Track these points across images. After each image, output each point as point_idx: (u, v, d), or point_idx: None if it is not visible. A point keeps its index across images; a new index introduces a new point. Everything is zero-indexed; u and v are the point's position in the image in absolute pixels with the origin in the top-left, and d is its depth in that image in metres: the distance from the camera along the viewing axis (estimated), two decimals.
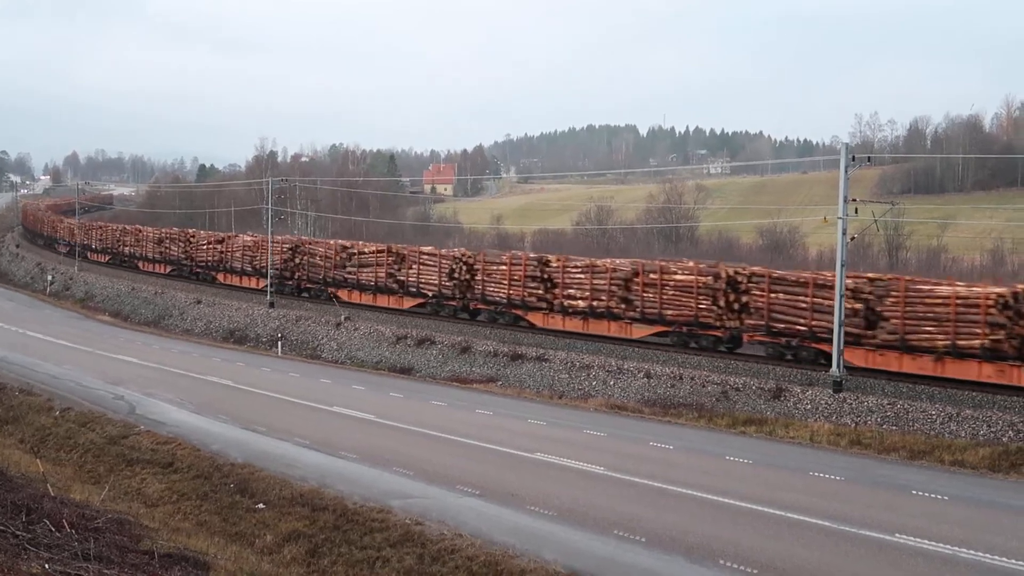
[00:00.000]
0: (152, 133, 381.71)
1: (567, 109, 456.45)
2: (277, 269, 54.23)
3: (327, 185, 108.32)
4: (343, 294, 50.30)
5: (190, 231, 67.64)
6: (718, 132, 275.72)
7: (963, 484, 18.89)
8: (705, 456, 21.67)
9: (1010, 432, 24.14)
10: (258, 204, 78.09)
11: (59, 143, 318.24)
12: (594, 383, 33.40)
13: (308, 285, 53.13)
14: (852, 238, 30.25)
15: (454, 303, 43.53)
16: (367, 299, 48.75)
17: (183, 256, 64.93)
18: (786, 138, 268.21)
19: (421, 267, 45.27)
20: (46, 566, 9.50)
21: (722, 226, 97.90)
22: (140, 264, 71.45)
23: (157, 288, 63.81)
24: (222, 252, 60.82)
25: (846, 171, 29.02)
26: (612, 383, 32.99)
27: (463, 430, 24.08)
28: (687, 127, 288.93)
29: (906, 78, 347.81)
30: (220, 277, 60.93)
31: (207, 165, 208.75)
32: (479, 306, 42.55)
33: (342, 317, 46.79)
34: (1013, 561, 13.85)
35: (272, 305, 52.30)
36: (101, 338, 46.91)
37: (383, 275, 47.43)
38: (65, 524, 11.62)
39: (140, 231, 74.23)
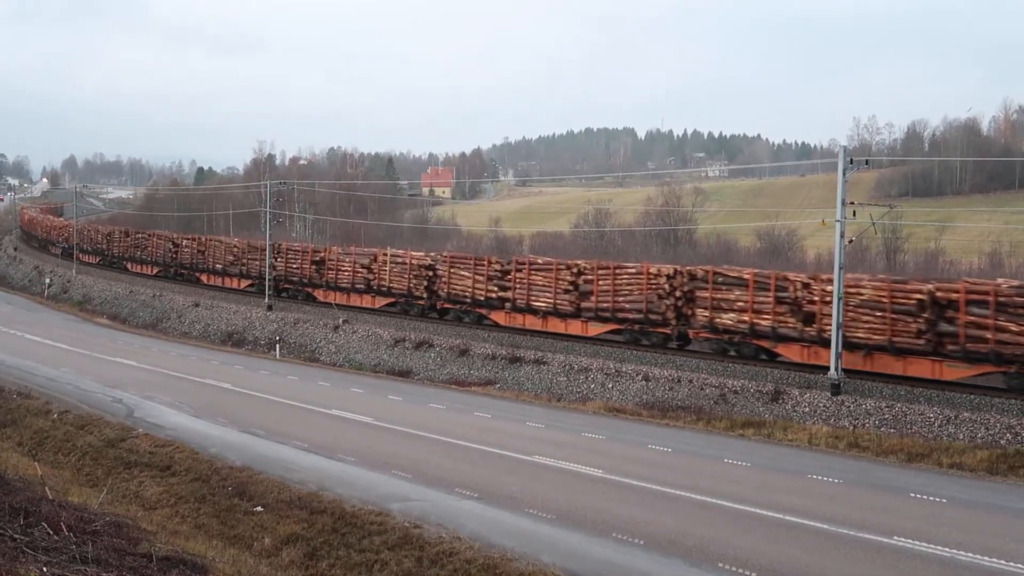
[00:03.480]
0: (150, 136, 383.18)
1: (565, 112, 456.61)
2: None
3: (325, 188, 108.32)
4: (498, 317, 41.42)
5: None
6: (716, 135, 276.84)
7: (961, 487, 18.89)
8: (703, 459, 21.67)
9: (1008, 435, 24.14)
10: (256, 207, 78.18)
11: (57, 146, 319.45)
12: (592, 386, 33.40)
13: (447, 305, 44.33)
14: (850, 241, 30.26)
15: (665, 330, 35.35)
16: (534, 323, 39.76)
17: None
18: (784, 141, 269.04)
19: (616, 285, 36.34)
20: (44, 569, 9.49)
21: (720, 229, 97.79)
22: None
23: (155, 291, 63.77)
24: None
25: (844, 174, 29.05)
26: (610, 386, 32.98)
27: (462, 433, 24.06)
28: (685, 130, 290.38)
29: (904, 81, 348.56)
30: None
31: (205, 168, 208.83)
32: (701, 334, 34.24)
33: (340, 320, 46.76)
34: (1011, 564, 13.85)
35: (270, 308, 52.30)
36: (99, 341, 46.86)
37: (562, 294, 38.20)
38: (63, 527, 11.61)
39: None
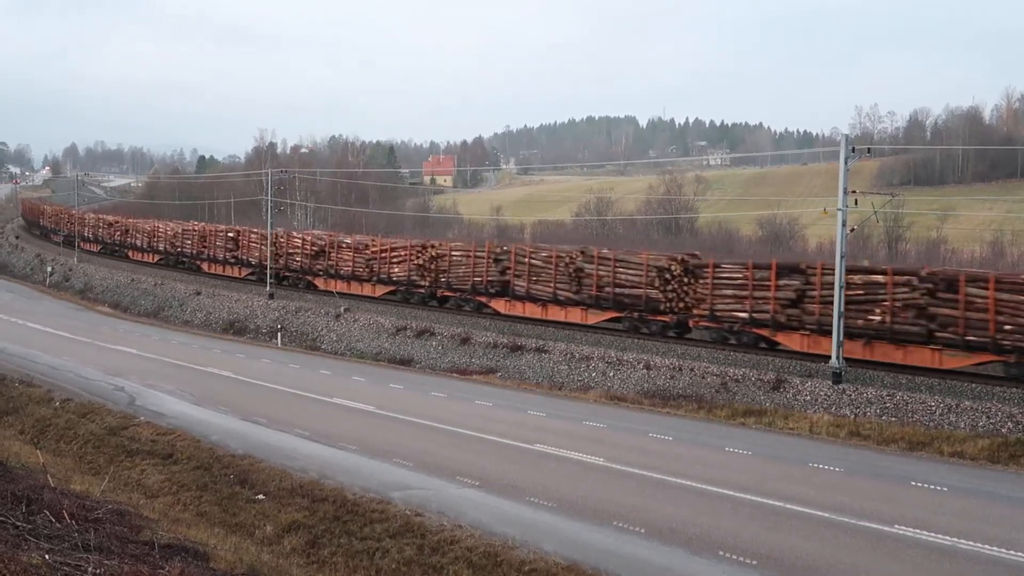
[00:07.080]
0: (152, 125, 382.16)
1: (567, 101, 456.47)
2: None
3: (327, 176, 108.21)
4: (790, 340, 31.58)
5: None
6: (718, 124, 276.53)
7: (962, 475, 18.91)
8: (704, 447, 21.68)
9: (1009, 423, 24.13)
10: (258, 195, 78.10)
11: (59, 134, 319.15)
12: (593, 374, 33.40)
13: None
14: (852, 230, 30.22)
15: None
16: (851, 349, 29.12)
17: None
18: (786, 129, 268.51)
19: (999, 302, 26.30)
20: (46, 557, 9.50)
21: (722, 218, 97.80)
22: None
23: (156, 279, 63.78)
24: None
25: (846, 163, 28.97)
26: (611, 374, 32.98)
27: (463, 421, 24.08)
28: (687, 119, 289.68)
29: (906, 70, 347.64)
30: None
31: (206, 157, 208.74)
32: None
33: (342, 308, 46.78)
34: (1012, 552, 13.87)
35: (272, 296, 52.28)
36: (100, 329, 46.90)
37: (900, 310, 28.47)
38: (65, 515, 11.63)
39: None
